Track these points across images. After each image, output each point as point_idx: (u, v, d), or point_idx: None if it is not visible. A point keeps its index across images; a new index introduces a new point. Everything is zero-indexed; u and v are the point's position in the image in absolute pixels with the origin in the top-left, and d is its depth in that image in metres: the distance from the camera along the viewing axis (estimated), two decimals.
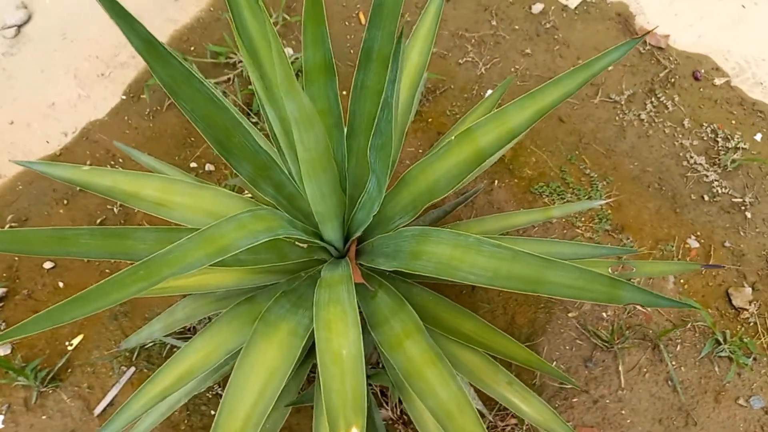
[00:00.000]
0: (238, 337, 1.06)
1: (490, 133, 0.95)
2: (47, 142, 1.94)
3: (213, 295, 1.25)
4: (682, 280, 1.65)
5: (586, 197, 1.73)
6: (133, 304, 1.71)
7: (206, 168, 1.86)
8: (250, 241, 0.82)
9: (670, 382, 1.53)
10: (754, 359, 1.54)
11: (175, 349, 1.63)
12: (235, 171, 0.95)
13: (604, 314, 1.61)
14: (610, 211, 1.74)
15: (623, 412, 1.51)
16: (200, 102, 0.82)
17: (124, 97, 1.99)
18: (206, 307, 1.27)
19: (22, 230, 0.83)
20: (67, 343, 1.67)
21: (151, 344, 1.64)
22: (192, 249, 0.80)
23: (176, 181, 1.10)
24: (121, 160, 1.88)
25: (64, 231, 0.84)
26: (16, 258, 1.77)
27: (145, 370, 1.63)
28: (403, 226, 0.99)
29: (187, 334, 1.64)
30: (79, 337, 1.68)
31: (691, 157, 1.81)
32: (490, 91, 1.93)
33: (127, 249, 0.89)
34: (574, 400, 1.53)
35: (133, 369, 1.63)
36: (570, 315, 1.60)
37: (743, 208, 1.74)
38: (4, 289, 1.73)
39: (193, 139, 1.90)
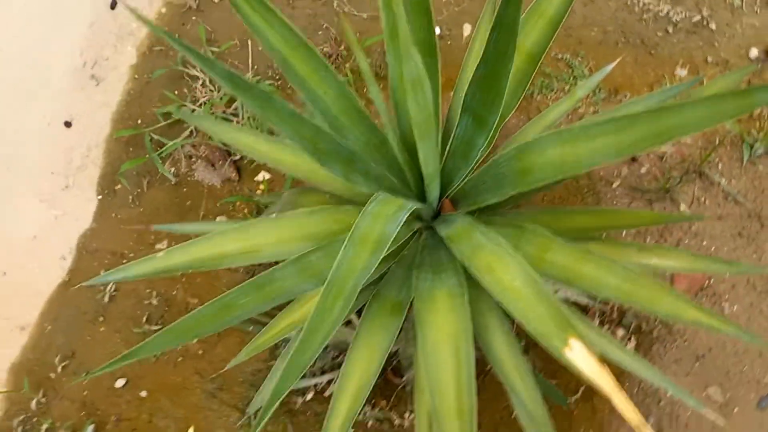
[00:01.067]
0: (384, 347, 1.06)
1: (533, 31, 0.97)
2: (50, 273, 1.86)
3: None
4: None
5: (572, 78, 1.78)
6: (223, 376, 1.67)
7: (217, 221, 1.82)
8: (394, 225, 0.82)
9: (729, 198, 1.61)
10: None
11: (292, 396, 1.61)
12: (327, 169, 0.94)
13: (642, 170, 1.67)
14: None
15: (704, 243, 1.59)
16: (287, 119, 0.81)
17: (99, 197, 1.93)
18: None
19: (188, 318, 0.81)
20: None
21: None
22: (355, 254, 0.79)
23: (251, 224, 1.08)
24: (131, 255, 1.82)
25: (223, 299, 0.83)
26: (85, 392, 1.71)
27: (270, 428, 1.61)
28: None
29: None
30: (191, 430, 1.64)
31: (639, 1, 1.88)
32: None
33: (278, 291, 0.88)
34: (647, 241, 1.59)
35: None
36: (614, 185, 1.66)
37: (705, 23, 1.82)
38: (93, 426, 1.66)
39: (189, 202, 1.85)
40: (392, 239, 0.80)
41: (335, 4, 1.99)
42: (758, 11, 1.81)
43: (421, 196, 1.04)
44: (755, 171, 1.63)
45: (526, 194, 1.16)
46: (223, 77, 0.75)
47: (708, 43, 1.80)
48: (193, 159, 1.90)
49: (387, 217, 0.83)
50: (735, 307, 1.53)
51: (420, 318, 0.95)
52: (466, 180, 1.02)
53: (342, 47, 1.94)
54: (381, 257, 0.78)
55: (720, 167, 1.64)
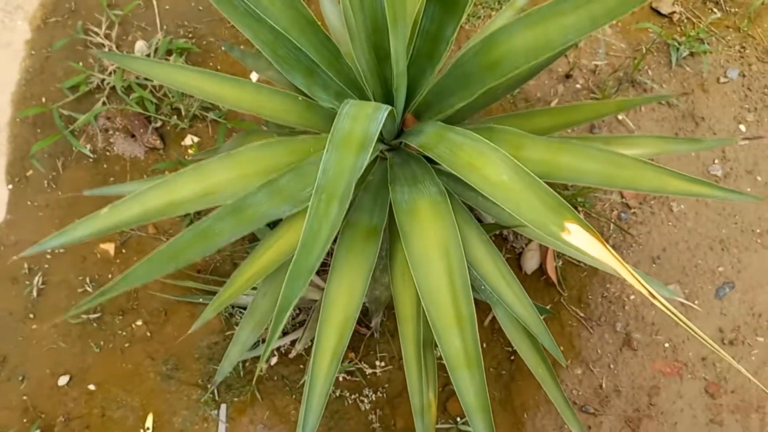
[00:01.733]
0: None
1: None
2: None
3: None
4: (614, 22, 1.74)
5: (497, 2, 1.76)
6: (177, 356, 1.57)
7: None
8: (376, 124, 0.76)
9: (662, 102, 1.64)
10: (708, 44, 1.68)
11: (256, 362, 1.53)
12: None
13: (577, 86, 1.67)
14: None
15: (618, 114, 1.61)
16: (245, 18, 0.73)
17: (10, 186, 1.75)
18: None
19: (166, 247, 0.72)
20: (142, 431, 1.52)
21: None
22: (340, 156, 0.73)
23: (203, 164, 0.99)
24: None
25: (199, 226, 0.74)
26: (24, 396, 1.56)
27: (236, 400, 1.52)
28: None
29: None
30: (150, 417, 1.52)
31: None
32: None
33: (254, 215, 0.80)
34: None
35: (224, 406, 1.52)
36: (552, 104, 1.66)
37: None
38: (39, 430, 1.52)
39: (112, 178, 1.71)
40: (376, 137, 0.74)
41: None
42: None
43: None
44: (683, 73, 1.67)
45: (490, 96, 1.12)
46: None
47: None
48: (110, 132, 1.75)
49: (366, 117, 0.77)
50: (682, 206, 1.57)
51: (404, 230, 0.90)
52: (430, 88, 0.97)
53: None
54: (368, 157, 0.72)
55: (650, 73, 1.66)
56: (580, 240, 0.79)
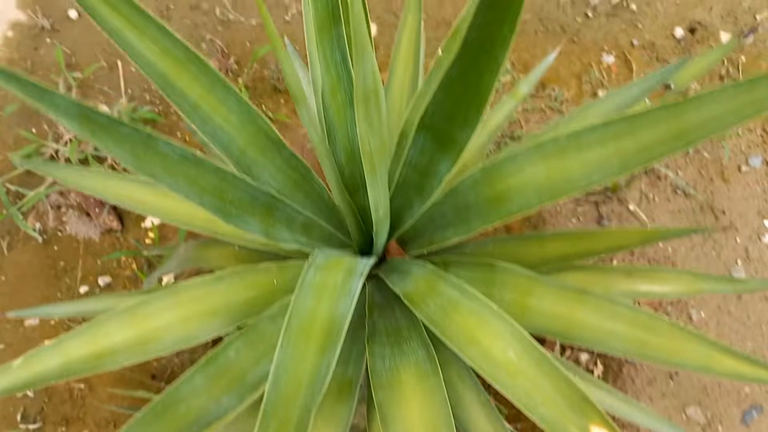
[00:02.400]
0: None
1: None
2: None
3: None
4: None
5: (507, 74, 1.60)
6: None
7: (101, 283, 1.50)
8: (348, 300, 0.58)
9: (678, 191, 1.47)
10: None
11: None
12: (239, 226, 0.69)
13: None
14: (521, 75, 1.62)
15: (660, 244, 1.44)
16: (177, 167, 0.55)
17: None
18: None
19: None
20: None
21: None
22: (298, 355, 0.54)
23: (141, 303, 0.81)
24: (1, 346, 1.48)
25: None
26: None
27: None
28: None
29: None
30: None
31: None
32: None
33: (186, 418, 0.61)
34: (614, 261, 1.43)
35: None
36: None
37: (625, 4, 1.69)
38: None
39: (62, 263, 1.52)
40: (347, 323, 0.56)
41: (218, 12, 1.72)
42: None
43: (366, 244, 0.80)
44: (701, 159, 1.50)
45: None
46: (70, 116, 0.48)
47: (631, 25, 1.67)
48: (63, 209, 1.57)
49: (335, 289, 0.59)
50: (702, 313, 1.39)
51: (383, 412, 0.71)
52: (419, 218, 0.79)
53: (231, 59, 1.67)
54: (335, 356, 0.54)
55: (665, 159, 1.50)
56: None
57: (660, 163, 1.49)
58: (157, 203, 0.90)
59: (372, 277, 0.92)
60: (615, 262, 1.43)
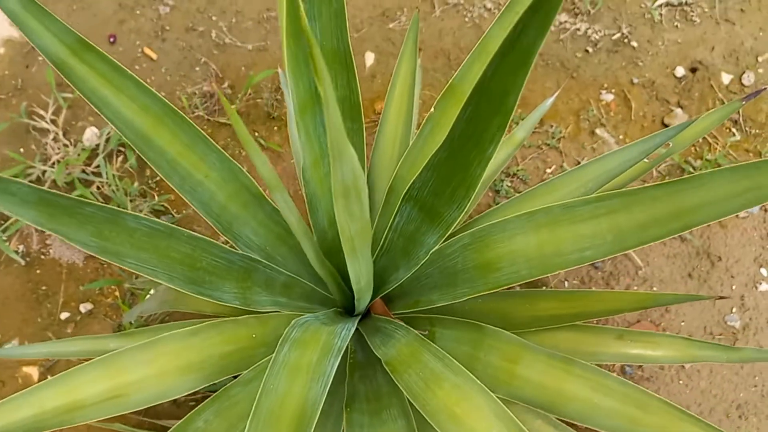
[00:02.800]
0: None
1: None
2: None
3: None
4: (621, 136, 1.56)
5: None
6: None
7: (82, 309, 1.47)
8: (321, 383, 0.55)
9: (675, 236, 1.45)
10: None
11: None
12: (213, 298, 0.66)
13: None
14: (520, 111, 1.60)
15: (653, 287, 1.42)
16: (145, 242, 0.52)
17: None
18: None
19: None
20: None
21: None
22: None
23: (114, 357, 0.78)
24: None
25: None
26: None
27: None
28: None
29: None
30: None
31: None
32: None
33: None
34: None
35: None
36: None
37: (626, 40, 1.67)
38: None
39: (44, 287, 1.49)
40: (320, 409, 0.53)
41: (213, 35, 1.70)
42: (678, 26, 1.67)
43: (348, 302, 0.77)
44: None
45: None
46: (26, 204, 0.45)
47: (631, 63, 1.65)
48: (47, 232, 1.53)
49: (309, 369, 0.56)
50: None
51: None
52: (404, 280, 0.76)
53: (226, 84, 1.64)
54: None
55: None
56: None
57: None
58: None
59: (355, 332, 0.89)
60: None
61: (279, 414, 0.53)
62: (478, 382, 0.66)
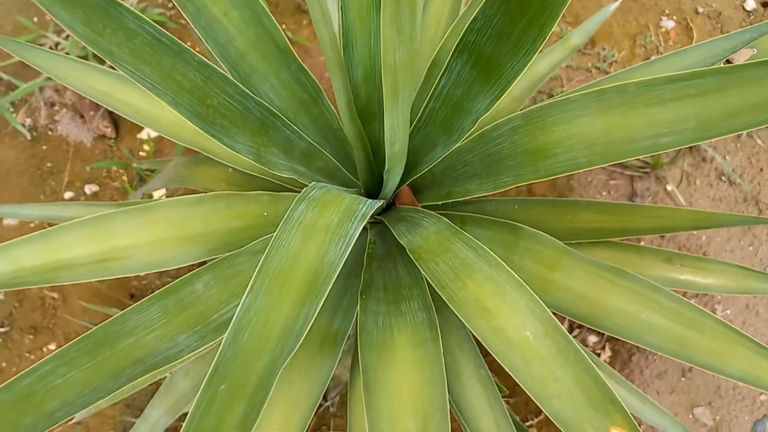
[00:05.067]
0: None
1: None
2: None
3: None
4: None
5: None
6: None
7: (87, 191, 1.40)
8: (341, 248, 0.47)
9: (723, 177, 1.34)
10: None
11: None
12: (230, 148, 0.57)
13: None
14: (570, 28, 1.48)
15: (694, 232, 1.32)
16: (143, 53, 0.43)
17: None
18: None
19: None
20: None
21: None
22: (269, 304, 0.43)
23: (109, 217, 0.70)
24: None
25: (32, 372, 0.45)
26: None
27: None
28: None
29: None
30: None
31: None
32: None
33: (129, 356, 0.51)
34: (641, 242, 1.31)
35: None
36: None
37: None
38: None
39: (49, 164, 1.42)
40: (337, 272, 0.45)
41: None
42: None
43: (374, 184, 0.68)
44: (753, 146, 1.37)
45: None
46: None
47: None
48: (57, 107, 1.45)
49: (328, 231, 0.48)
50: (728, 311, 1.28)
51: (368, 378, 0.61)
52: (439, 163, 0.67)
53: None
54: (317, 309, 0.43)
55: (713, 142, 1.36)
56: None
57: (707, 145, 1.35)
58: (149, 109, 0.79)
59: (376, 223, 0.81)
60: (643, 244, 1.32)
61: (289, 273, 0.45)
62: (515, 275, 0.57)
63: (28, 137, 1.43)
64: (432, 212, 0.67)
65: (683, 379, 1.25)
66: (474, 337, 0.81)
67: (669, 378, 1.25)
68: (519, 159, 0.62)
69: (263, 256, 0.45)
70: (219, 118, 0.53)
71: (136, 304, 0.54)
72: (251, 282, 0.44)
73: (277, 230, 0.47)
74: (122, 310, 1.24)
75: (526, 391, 0.54)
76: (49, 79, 1.43)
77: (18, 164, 1.42)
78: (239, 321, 0.42)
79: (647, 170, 1.34)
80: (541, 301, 0.56)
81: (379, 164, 0.67)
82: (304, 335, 0.41)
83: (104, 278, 0.69)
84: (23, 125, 1.43)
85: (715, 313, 1.24)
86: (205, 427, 0.38)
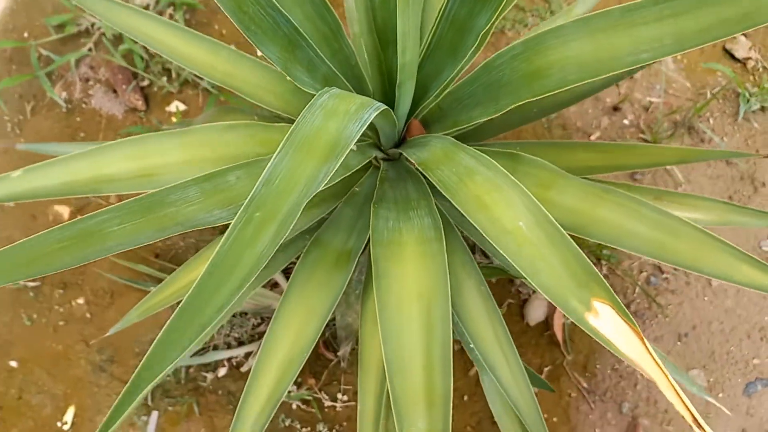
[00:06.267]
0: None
1: None
2: None
3: None
4: (679, 57, 1.51)
5: (548, 12, 1.54)
6: (115, 346, 1.36)
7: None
8: (358, 124, 0.55)
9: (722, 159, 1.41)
10: None
11: (201, 371, 1.32)
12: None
13: (625, 121, 1.44)
14: None
15: (678, 165, 1.38)
16: None
17: None
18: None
19: (29, 243, 0.51)
20: (59, 424, 1.32)
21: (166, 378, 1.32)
22: (297, 161, 0.51)
23: (147, 138, 0.79)
24: None
25: (85, 223, 0.53)
26: None
27: (171, 409, 1.31)
28: None
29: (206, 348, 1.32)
30: (71, 410, 1.32)
31: None
32: None
33: (172, 219, 0.59)
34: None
35: (155, 414, 1.31)
36: (593, 138, 1.43)
37: None
38: None
39: (83, 134, 1.51)
40: (353, 142, 0.53)
41: None
42: None
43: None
44: (749, 128, 1.43)
45: (521, 115, 0.90)
46: None
47: None
48: (91, 82, 1.55)
49: (346, 114, 0.55)
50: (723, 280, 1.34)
51: (378, 268, 0.68)
52: (447, 89, 0.75)
53: None
54: (336, 167, 0.50)
55: (711, 122, 1.43)
56: (608, 327, 0.58)
57: (706, 126, 1.42)
58: (182, 48, 0.87)
59: (388, 159, 0.88)
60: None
61: (313, 141, 0.52)
62: (512, 177, 0.65)
63: (64, 109, 1.52)
64: (438, 134, 0.75)
65: (679, 343, 1.31)
66: (475, 259, 0.88)
67: (665, 342, 1.31)
68: (517, 83, 0.70)
69: (291, 129, 0.53)
70: (253, 26, 0.61)
71: (175, 184, 0.62)
72: (280, 146, 0.52)
73: (302, 112, 0.55)
74: (148, 266, 1.32)
75: (518, 269, 0.61)
76: (89, 51, 1.53)
77: (54, 133, 1.51)
78: (270, 171, 0.49)
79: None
80: (533, 198, 0.63)
81: (392, 91, 0.75)
82: (326, 181, 0.49)
83: (142, 191, 0.77)
84: (59, 97, 1.52)
85: (710, 283, 1.30)
86: (244, 236, 0.46)
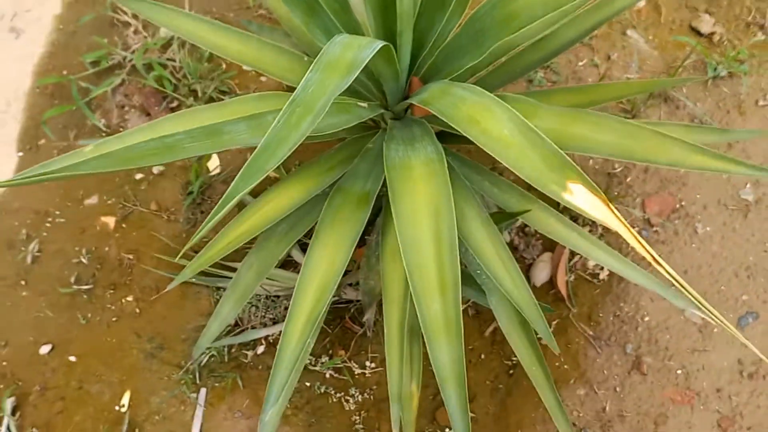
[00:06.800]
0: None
1: None
2: None
3: (277, 231, 1.10)
4: (650, 37, 1.68)
5: None
6: (163, 335, 1.50)
7: (154, 171, 1.66)
8: (369, 51, 0.70)
9: (695, 120, 1.56)
10: (748, 65, 1.60)
11: (242, 349, 1.45)
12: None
13: None
14: None
15: (668, 177, 1.53)
16: None
17: (21, 153, 1.73)
18: (270, 254, 1.11)
19: (127, 149, 0.67)
20: (117, 408, 1.45)
21: (209, 357, 1.45)
22: (324, 77, 0.67)
23: (194, 111, 0.95)
24: (57, 212, 1.63)
25: (165, 140, 0.69)
26: (4, 362, 1.50)
27: (217, 385, 1.44)
28: None
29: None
30: (127, 395, 1.46)
31: None
32: None
33: (229, 141, 0.74)
34: (628, 179, 1.52)
35: (204, 390, 1.44)
36: None
37: None
38: (13, 398, 1.46)
39: None
40: (366, 62, 0.68)
41: None
42: None
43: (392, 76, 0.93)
44: (720, 93, 1.59)
45: (507, 72, 1.06)
46: None
47: None
48: (126, 108, 1.73)
49: (359, 47, 0.71)
50: (708, 228, 1.47)
51: (393, 186, 0.83)
52: (440, 45, 0.91)
53: None
54: (353, 79, 0.66)
55: (684, 91, 1.59)
56: (582, 201, 0.72)
57: (681, 95, 1.57)
58: (215, 39, 1.04)
59: (395, 117, 1.04)
60: (619, 168, 1.51)
61: (335, 63, 0.68)
62: (497, 99, 0.80)
63: (104, 133, 1.70)
64: (438, 81, 0.91)
65: (673, 288, 1.43)
66: (476, 191, 1.02)
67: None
68: (496, 27, 0.86)
69: (317, 58, 0.69)
70: None
71: (227, 119, 0.77)
72: (311, 67, 0.67)
73: (324, 47, 0.71)
74: (187, 260, 1.46)
75: (505, 164, 0.75)
76: (121, 85, 1.72)
77: None
78: (305, 84, 0.65)
79: (627, 117, 1.56)
80: (516, 112, 0.78)
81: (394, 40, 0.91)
82: (346, 86, 0.65)
83: (197, 154, 0.93)
84: (99, 122, 1.70)
85: (696, 231, 1.44)
86: (290, 122, 0.61)
